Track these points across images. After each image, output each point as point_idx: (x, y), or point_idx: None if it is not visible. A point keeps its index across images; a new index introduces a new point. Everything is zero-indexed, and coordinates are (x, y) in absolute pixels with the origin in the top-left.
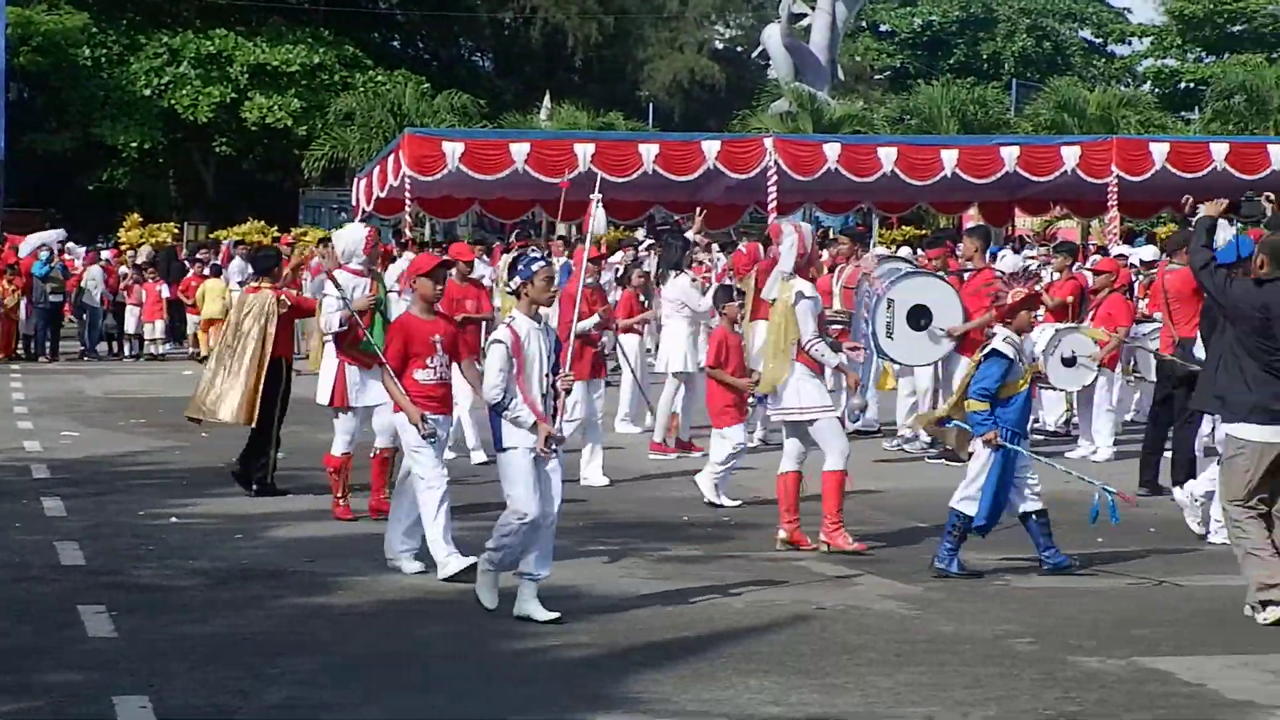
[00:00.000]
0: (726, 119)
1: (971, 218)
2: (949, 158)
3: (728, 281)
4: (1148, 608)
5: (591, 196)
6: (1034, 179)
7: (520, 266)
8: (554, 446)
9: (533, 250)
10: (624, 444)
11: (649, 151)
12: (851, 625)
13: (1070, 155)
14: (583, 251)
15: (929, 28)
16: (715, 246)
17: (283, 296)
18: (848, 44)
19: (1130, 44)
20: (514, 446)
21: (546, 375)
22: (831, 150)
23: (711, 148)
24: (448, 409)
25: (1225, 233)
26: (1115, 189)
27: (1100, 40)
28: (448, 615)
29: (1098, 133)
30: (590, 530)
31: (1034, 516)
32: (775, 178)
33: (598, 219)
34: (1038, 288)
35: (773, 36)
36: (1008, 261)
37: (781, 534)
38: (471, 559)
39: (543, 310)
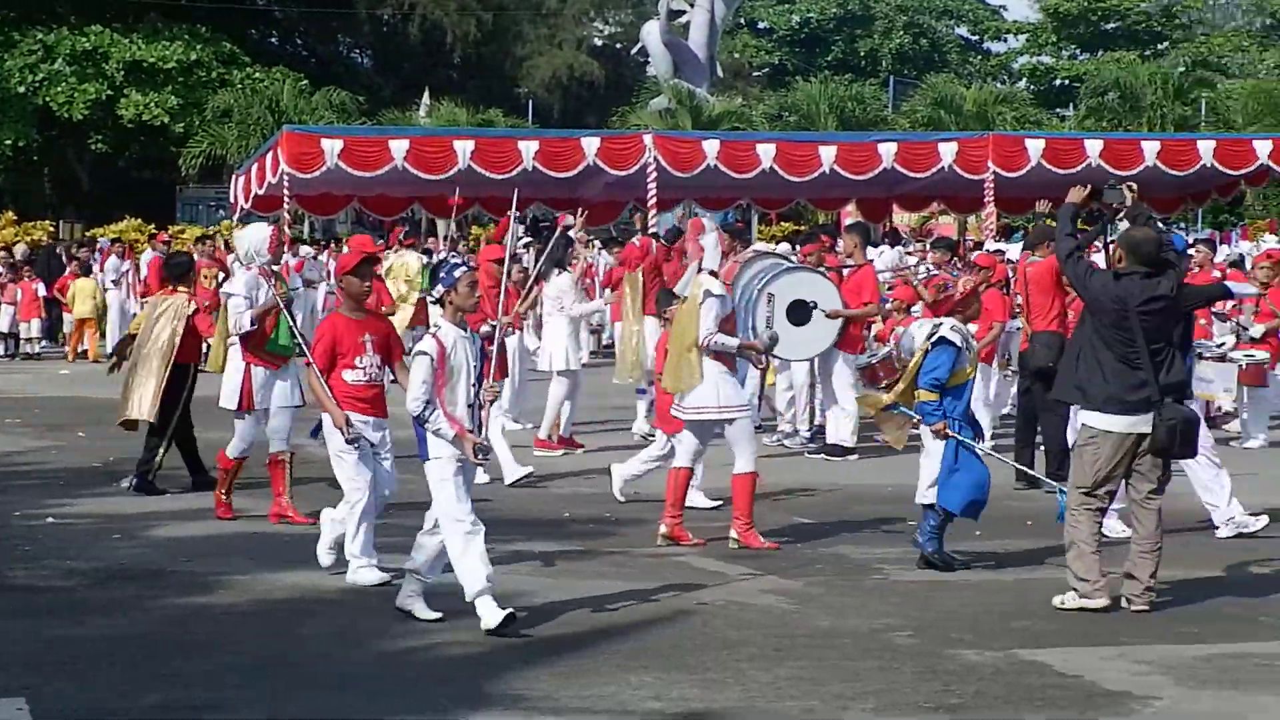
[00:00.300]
0: (606, 116)
1: (850, 214)
2: (827, 154)
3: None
4: (1026, 601)
5: (509, 213)
6: (911, 175)
7: (442, 274)
8: (482, 457)
9: (452, 256)
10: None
11: (528, 148)
12: (732, 620)
13: (947, 152)
14: (501, 251)
15: (807, 25)
16: (598, 244)
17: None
18: (726, 41)
19: (1006, 41)
20: (439, 456)
21: (473, 385)
22: (710, 147)
23: (591, 144)
24: (379, 411)
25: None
26: (992, 185)
27: (976, 37)
28: (328, 614)
29: (974, 129)
30: None
31: (934, 507)
32: (655, 174)
33: (514, 231)
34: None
35: (652, 33)
36: (886, 258)
37: (663, 529)
38: (381, 575)
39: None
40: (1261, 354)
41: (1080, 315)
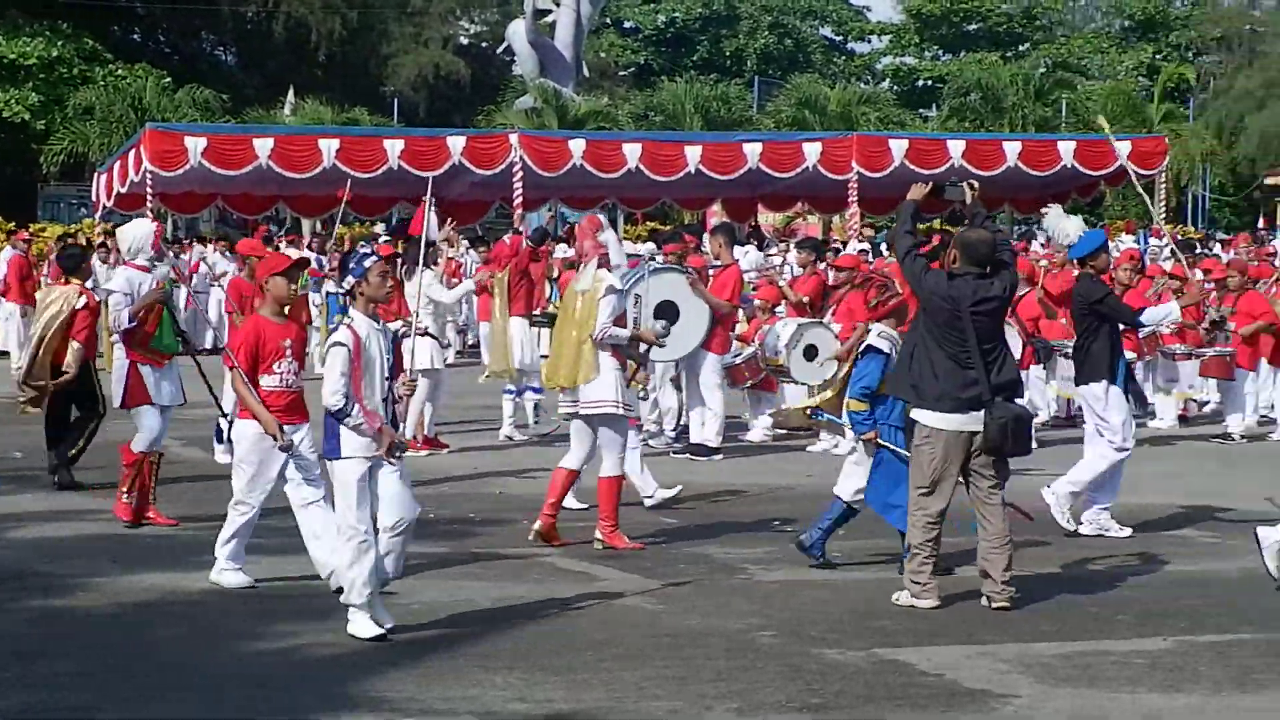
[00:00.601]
0: (472, 115)
1: (715, 213)
2: (693, 154)
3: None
4: (888, 600)
5: (424, 199)
6: (776, 175)
7: (351, 265)
8: (398, 453)
9: (361, 245)
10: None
11: (394, 147)
12: (597, 621)
13: (811, 152)
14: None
15: (672, 24)
16: (465, 242)
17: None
18: (592, 40)
19: (870, 42)
20: (352, 456)
21: (386, 379)
22: (576, 146)
23: (457, 144)
24: (297, 417)
25: (1073, 224)
26: (855, 185)
27: (841, 38)
28: (190, 616)
29: (838, 129)
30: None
31: (846, 506)
32: (520, 174)
33: (430, 222)
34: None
35: (517, 32)
36: (751, 258)
37: (537, 525)
38: (245, 580)
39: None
40: (1129, 352)
41: (915, 315)
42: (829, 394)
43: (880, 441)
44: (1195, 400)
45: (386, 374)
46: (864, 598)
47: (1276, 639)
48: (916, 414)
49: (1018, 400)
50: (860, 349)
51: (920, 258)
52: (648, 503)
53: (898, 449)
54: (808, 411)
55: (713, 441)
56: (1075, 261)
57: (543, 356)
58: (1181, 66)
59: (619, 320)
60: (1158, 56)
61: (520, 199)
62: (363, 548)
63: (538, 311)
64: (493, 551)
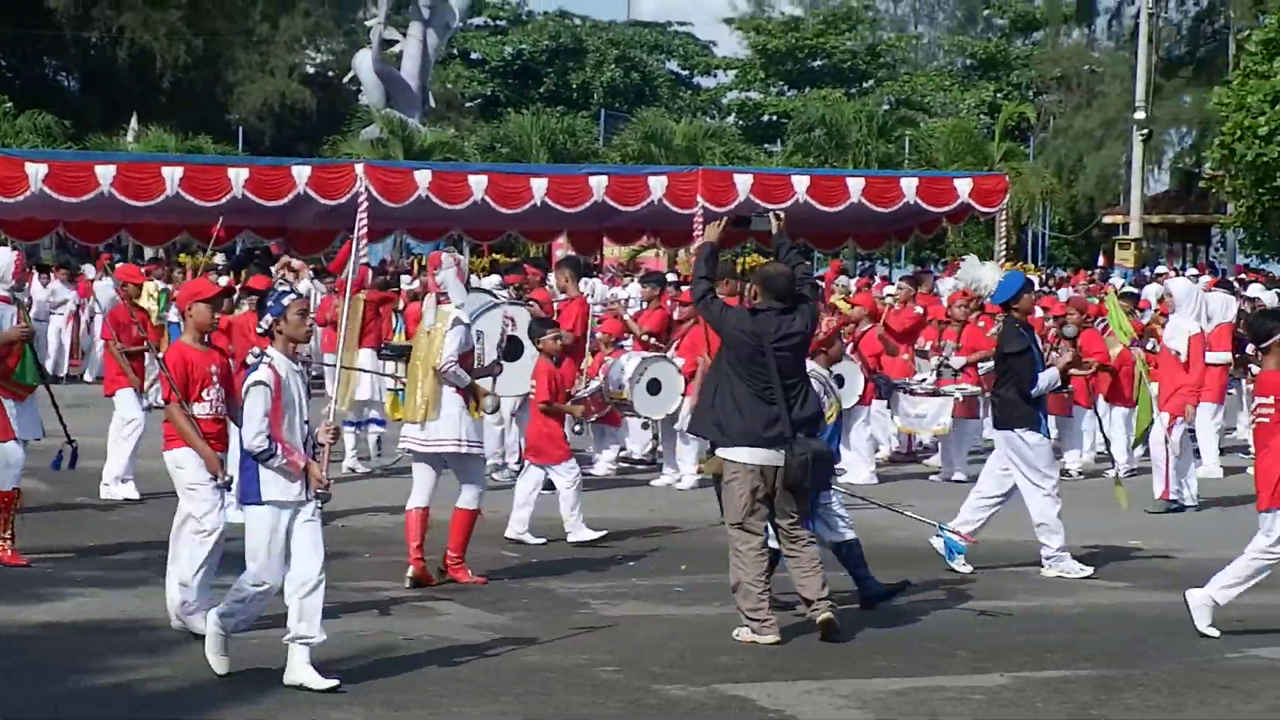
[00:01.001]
0: (318, 144)
1: (561, 245)
2: (539, 186)
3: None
4: (729, 635)
5: (350, 235)
6: (622, 208)
7: (270, 302)
8: (320, 492)
9: (281, 283)
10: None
11: (238, 176)
12: (438, 656)
13: (657, 185)
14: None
15: (519, 57)
16: (309, 272)
17: None
18: (439, 71)
19: (715, 77)
20: (270, 501)
21: (305, 421)
22: (422, 177)
23: (302, 173)
24: (224, 446)
25: (993, 272)
26: (701, 219)
27: (687, 72)
28: (26, 649)
29: (684, 163)
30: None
31: (844, 547)
32: (366, 204)
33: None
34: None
35: (364, 62)
36: (599, 292)
37: (410, 571)
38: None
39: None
40: (973, 387)
41: (716, 352)
42: None
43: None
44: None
45: (305, 416)
46: (706, 633)
47: (1113, 675)
48: (722, 451)
49: (818, 435)
50: None
51: (716, 299)
52: (570, 538)
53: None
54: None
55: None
56: (1000, 306)
57: (389, 389)
58: (1022, 105)
59: (466, 355)
60: (999, 95)
61: (365, 230)
62: (259, 595)
63: (384, 345)
64: (333, 586)
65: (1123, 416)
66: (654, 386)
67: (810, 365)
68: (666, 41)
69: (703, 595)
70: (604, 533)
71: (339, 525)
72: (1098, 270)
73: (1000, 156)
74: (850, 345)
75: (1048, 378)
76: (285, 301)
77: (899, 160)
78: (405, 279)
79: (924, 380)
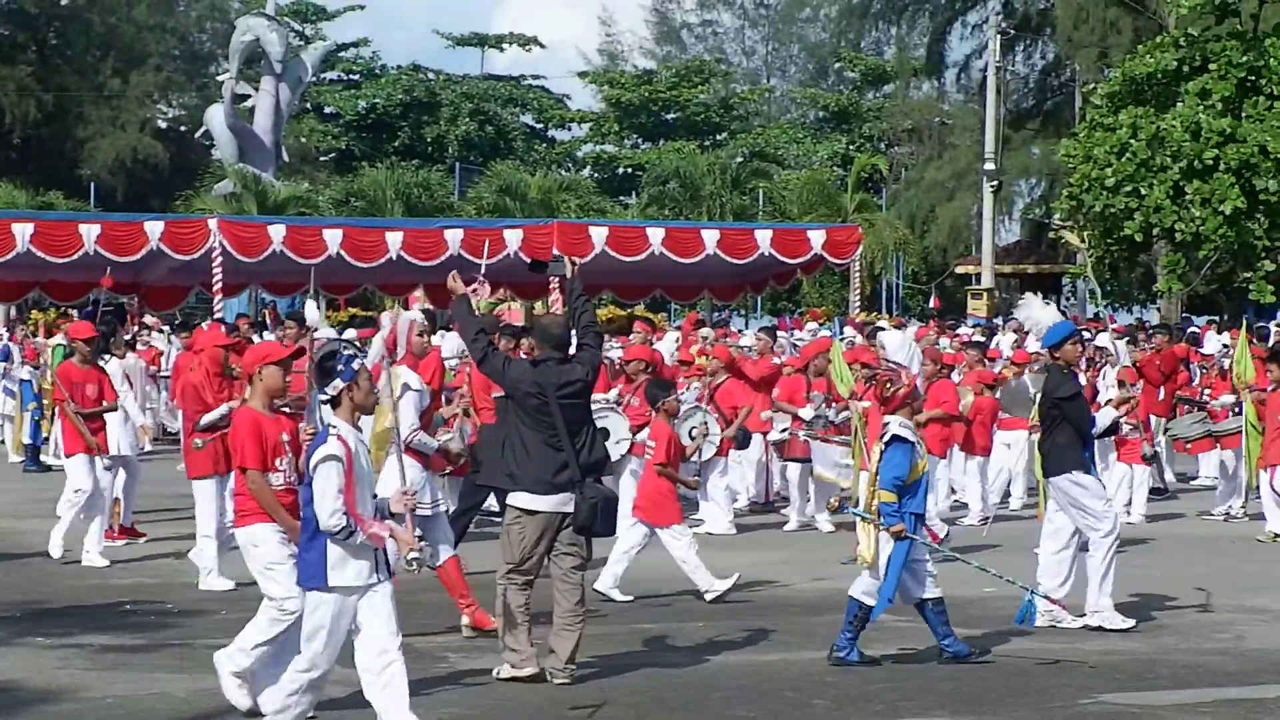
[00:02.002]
0: (171, 199)
1: (418, 299)
2: (394, 240)
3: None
4: (587, 687)
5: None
6: (478, 261)
7: (340, 366)
8: (416, 555)
9: (344, 345)
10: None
11: (90, 232)
12: None
13: (513, 238)
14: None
15: (373, 110)
16: (166, 329)
17: None
18: (293, 125)
19: (570, 130)
20: (339, 587)
21: (374, 495)
22: (276, 232)
23: (155, 228)
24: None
25: (1052, 314)
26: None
27: (542, 125)
28: None
29: (539, 216)
30: (30, 619)
31: (930, 604)
32: (220, 259)
33: (310, 310)
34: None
35: (215, 117)
36: (449, 342)
37: (465, 620)
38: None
39: None
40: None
41: (501, 404)
42: (869, 488)
43: (907, 534)
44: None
45: (373, 490)
46: (565, 688)
47: None
48: (513, 498)
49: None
50: (885, 441)
51: (496, 353)
52: (707, 597)
53: (919, 538)
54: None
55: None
56: (1047, 351)
57: None
58: (874, 157)
59: (424, 416)
60: (851, 147)
61: (220, 284)
62: (314, 687)
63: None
64: (189, 643)
65: (977, 465)
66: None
67: (895, 419)
68: (521, 95)
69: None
70: (737, 576)
71: (195, 582)
72: (938, 319)
73: (853, 208)
74: (706, 396)
75: (1107, 416)
76: (356, 366)
77: (753, 212)
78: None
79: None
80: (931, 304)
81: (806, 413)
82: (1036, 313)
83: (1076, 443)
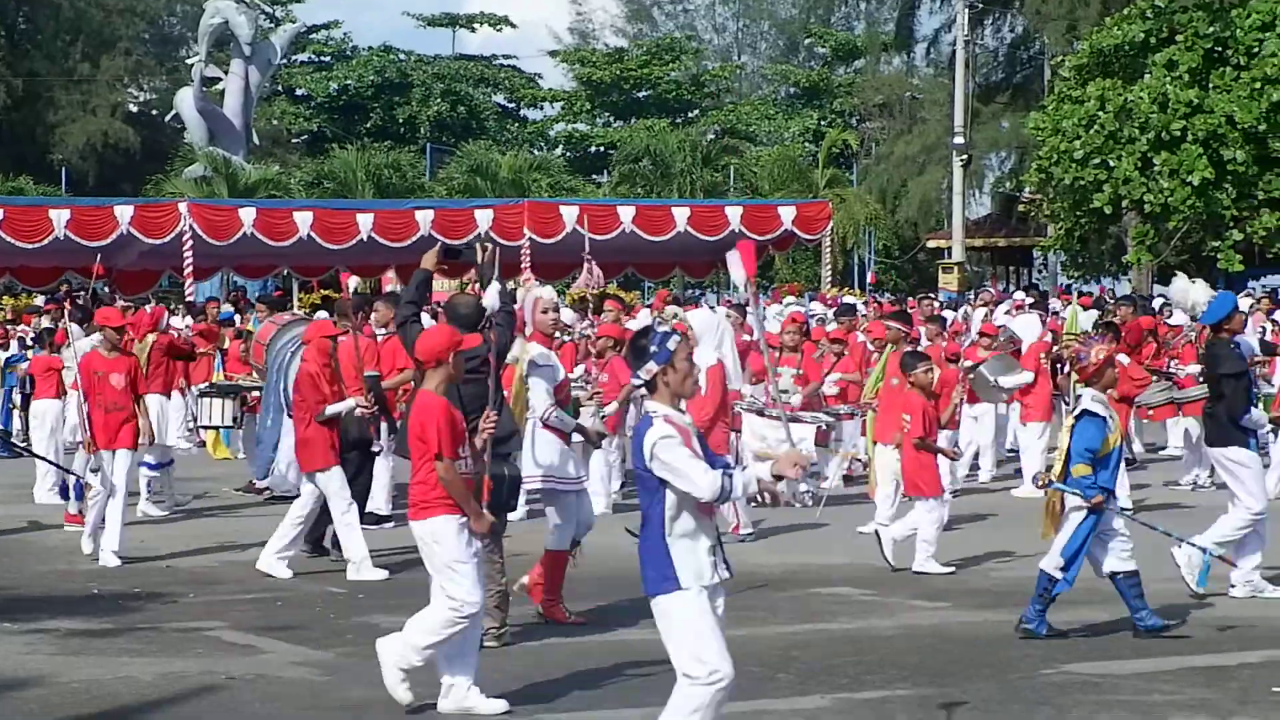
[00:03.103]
0: (142, 183)
1: (390, 280)
2: (365, 221)
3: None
4: (556, 664)
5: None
6: (449, 242)
7: (652, 347)
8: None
9: (657, 323)
10: (40, 514)
11: (60, 217)
12: (260, 694)
13: (484, 218)
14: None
15: (345, 92)
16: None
17: None
18: (264, 108)
19: (543, 109)
20: (688, 588)
21: None
22: (247, 215)
23: (125, 213)
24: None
25: (1200, 292)
26: (528, 250)
27: (514, 105)
28: None
29: (510, 196)
30: None
31: (1123, 576)
32: (191, 243)
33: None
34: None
35: (186, 100)
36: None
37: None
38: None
39: None
40: (826, 416)
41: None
42: (1058, 464)
43: (1105, 505)
44: (860, 459)
45: None
46: (532, 663)
47: (931, 695)
48: None
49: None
50: (1076, 415)
51: (416, 324)
52: (915, 567)
53: (1113, 508)
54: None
55: (384, 509)
56: (1209, 328)
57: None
58: (845, 132)
59: (559, 390)
60: (823, 123)
61: (191, 268)
62: (720, 693)
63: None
64: (157, 626)
65: (945, 439)
66: None
67: (1088, 392)
68: (492, 75)
69: (534, 629)
70: (952, 570)
71: (164, 565)
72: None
73: (824, 183)
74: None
75: (1259, 418)
76: (671, 345)
77: (724, 189)
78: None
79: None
80: (869, 280)
81: (758, 390)
82: (1193, 293)
83: (1238, 417)
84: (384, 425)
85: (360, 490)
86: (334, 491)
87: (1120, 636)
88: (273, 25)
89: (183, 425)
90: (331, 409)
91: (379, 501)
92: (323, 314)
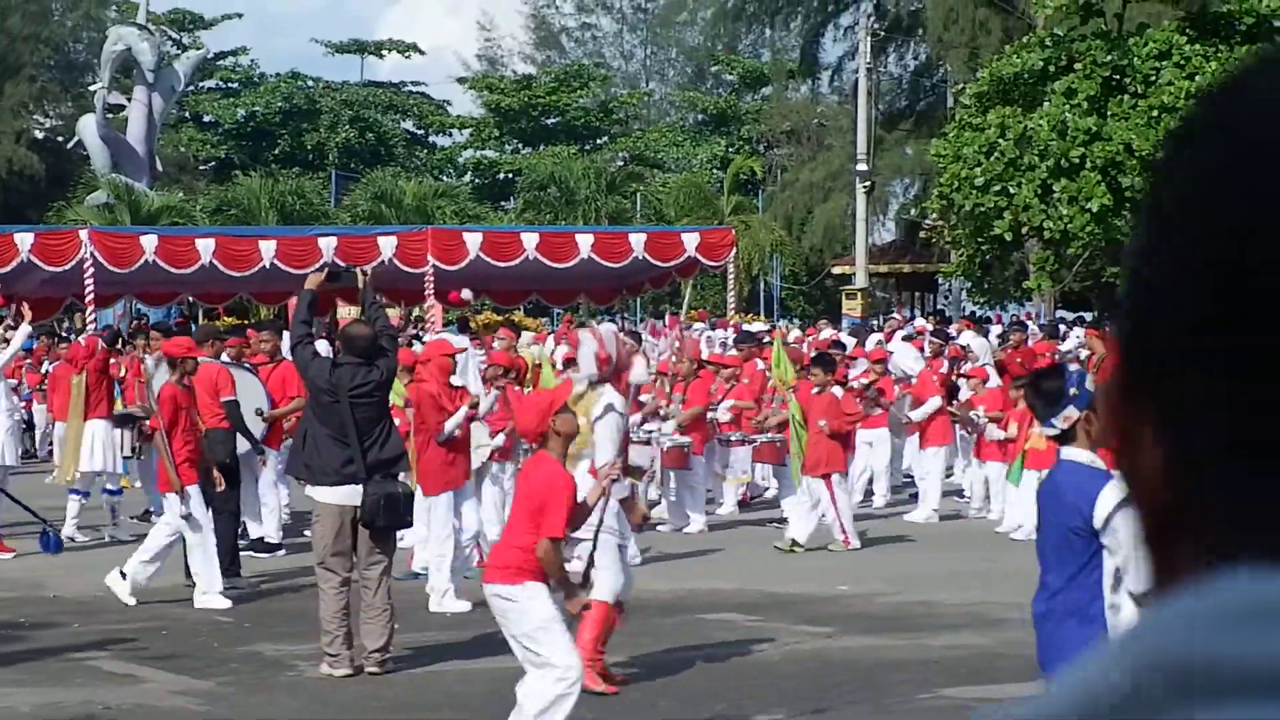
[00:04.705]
0: (47, 210)
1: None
2: (267, 248)
3: None
4: (436, 691)
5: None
6: (366, 268)
7: (1071, 389)
8: None
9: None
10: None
11: None
12: None
13: (387, 245)
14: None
15: (253, 119)
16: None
17: None
18: (171, 135)
19: (451, 135)
20: None
21: None
22: (148, 242)
23: (25, 240)
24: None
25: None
26: (432, 278)
27: (422, 132)
28: None
29: (415, 223)
30: None
31: None
32: (92, 270)
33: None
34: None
35: (88, 127)
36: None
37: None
38: None
39: None
40: (685, 438)
41: (308, 400)
42: None
43: None
44: (762, 484)
45: None
46: (413, 690)
47: None
48: (310, 491)
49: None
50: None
51: (309, 346)
52: None
53: None
54: None
55: (273, 537)
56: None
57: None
58: (750, 159)
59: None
60: (730, 149)
61: (92, 295)
62: None
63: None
64: (39, 657)
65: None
66: None
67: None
68: (401, 101)
69: (417, 655)
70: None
71: (50, 595)
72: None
73: (729, 210)
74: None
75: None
76: (1090, 386)
77: (630, 216)
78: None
79: (650, 431)
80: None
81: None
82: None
83: None
84: (273, 453)
85: (231, 516)
86: (440, 518)
87: (1000, 662)
88: (179, 52)
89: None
90: (449, 424)
91: (269, 529)
92: (450, 333)
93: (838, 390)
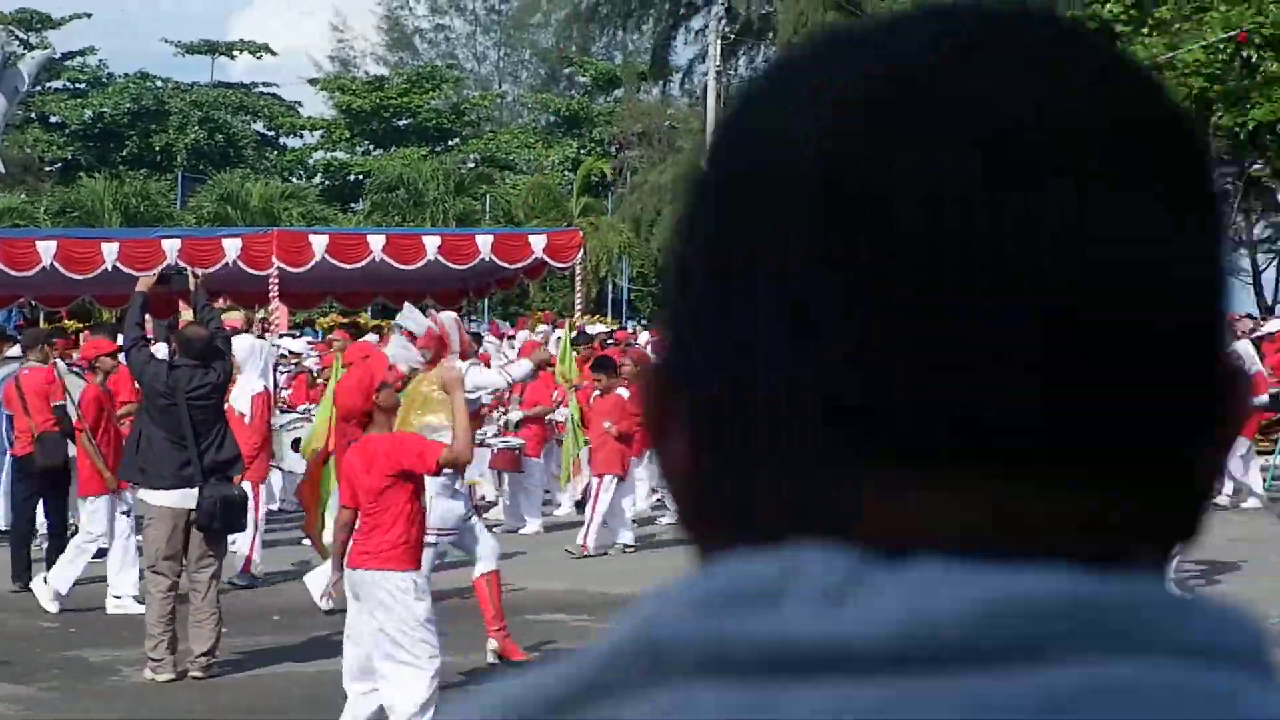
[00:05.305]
0: None
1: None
2: (110, 250)
3: None
4: (254, 697)
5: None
6: (198, 271)
7: None
8: None
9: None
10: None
11: None
12: None
13: (232, 247)
14: None
15: (100, 119)
16: None
17: None
18: (16, 136)
19: (302, 137)
20: None
21: None
22: None
23: None
24: None
25: None
26: (277, 280)
27: (273, 133)
28: None
29: (261, 225)
30: None
31: None
32: None
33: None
34: None
35: None
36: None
37: (492, 644)
38: None
39: None
40: (516, 440)
41: (140, 403)
42: None
43: None
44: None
45: None
46: (236, 694)
47: None
48: (143, 494)
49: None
50: None
51: (144, 349)
52: None
53: None
54: None
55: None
56: None
57: None
58: (600, 161)
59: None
60: (582, 151)
61: None
62: None
63: None
64: None
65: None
66: (297, 444)
67: None
68: (251, 103)
69: (243, 659)
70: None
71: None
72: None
73: (578, 212)
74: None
75: None
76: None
77: (479, 218)
78: None
79: (484, 433)
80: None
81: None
82: None
83: None
84: None
85: (59, 520)
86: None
87: None
88: (24, 52)
89: None
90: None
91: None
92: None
93: (623, 391)
